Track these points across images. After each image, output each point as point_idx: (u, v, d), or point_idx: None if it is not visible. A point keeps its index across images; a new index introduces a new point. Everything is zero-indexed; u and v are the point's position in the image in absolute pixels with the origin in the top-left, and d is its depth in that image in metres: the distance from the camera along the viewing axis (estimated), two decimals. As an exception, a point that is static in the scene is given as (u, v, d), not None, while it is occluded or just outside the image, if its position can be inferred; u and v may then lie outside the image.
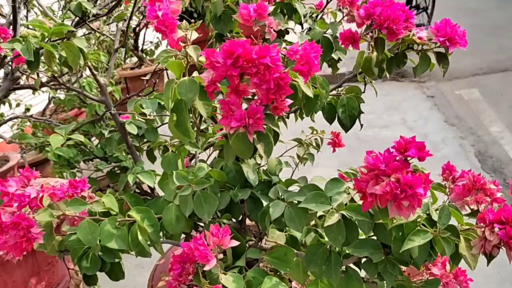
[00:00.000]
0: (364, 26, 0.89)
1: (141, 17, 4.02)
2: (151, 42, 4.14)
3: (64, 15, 1.13)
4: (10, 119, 1.47)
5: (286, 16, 1.30)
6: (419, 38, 0.83)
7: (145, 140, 1.31)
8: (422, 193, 0.63)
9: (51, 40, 0.96)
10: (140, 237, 0.90)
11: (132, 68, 4.29)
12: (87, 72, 2.89)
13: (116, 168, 2.31)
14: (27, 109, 3.01)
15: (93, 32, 1.16)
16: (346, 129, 0.99)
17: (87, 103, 2.66)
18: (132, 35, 4.00)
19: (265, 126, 0.74)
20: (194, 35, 0.80)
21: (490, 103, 4.04)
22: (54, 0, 2.79)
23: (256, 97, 0.76)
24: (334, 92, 1.14)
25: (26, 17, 1.50)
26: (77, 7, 1.12)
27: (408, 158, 0.68)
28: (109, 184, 2.49)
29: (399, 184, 0.64)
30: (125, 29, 1.07)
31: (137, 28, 4.06)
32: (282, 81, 0.69)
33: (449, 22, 0.81)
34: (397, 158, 0.67)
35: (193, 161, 1.25)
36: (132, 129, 1.16)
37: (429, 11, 5.84)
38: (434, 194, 0.84)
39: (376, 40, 0.88)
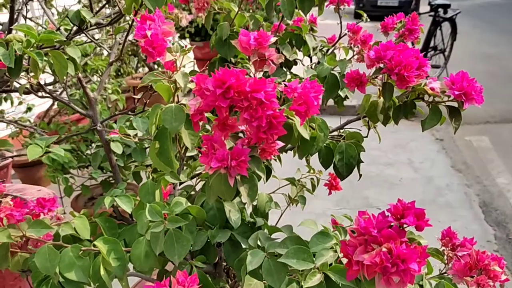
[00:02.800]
0: (373, 69, 0.82)
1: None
2: (163, 54, 4.11)
3: (61, 21, 1.07)
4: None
5: (295, 47, 1.24)
6: (431, 89, 0.76)
7: (132, 159, 1.24)
8: (416, 269, 0.55)
9: (39, 47, 0.90)
10: (102, 271, 0.82)
11: (141, 78, 4.26)
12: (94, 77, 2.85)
13: (110, 178, 2.23)
14: (29, 109, 2.97)
15: (90, 42, 1.09)
16: (342, 177, 0.91)
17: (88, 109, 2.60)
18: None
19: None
20: (186, 59, 0.73)
21: (500, 153, 3.95)
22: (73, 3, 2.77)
23: (244, 136, 0.68)
24: (336, 132, 1.07)
25: (30, 18, 1.45)
26: (75, 15, 1.07)
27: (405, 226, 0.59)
28: (102, 193, 2.42)
29: (391, 255, 0.55)
30: (123, 41, 1.01)
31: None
32: (275, 119, 0.62)
33: (466, 76, 0.73)
34: (392, 224, 0.59)
35: (181, 186, 1.18)
36: (117, 147, 1.09)
37: (446, 53, 5.80)
38: (430, 264, 0.75)
39: (384, 85, 0.80)
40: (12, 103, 2.68)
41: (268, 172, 1.09)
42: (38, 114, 3.32)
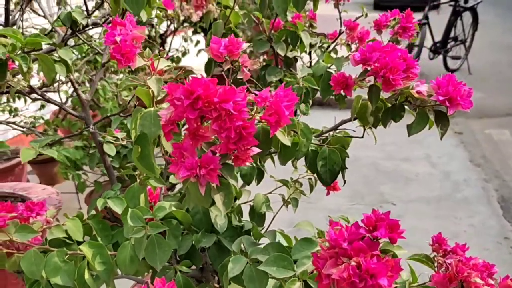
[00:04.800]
0: (360, 71, 0.79)
1: (169, 23, 4.01)
2: (177, 50, 4.11)
3: (55, 22, 1.07)
4: None
5: (290, 46, 1.21)
6: (418, 92, 0.73)
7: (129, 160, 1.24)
8: (386, 285, 0.53)
9: (24, 51, 0.90)
10: (86, 276, 0.82)
11: (155, 73, 4.26)
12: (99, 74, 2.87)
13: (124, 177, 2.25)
14: (42, 106, 3.01)
15: (82, 43, 1.09)
16: (326, 184, 0.88)
17: (100, 106, 2.63)
18: (159, 41, 3.99)
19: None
20: (162, 64, 0.72)
21: (521, 147, 3.84)
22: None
23: (219, 142, 0.67)
24: (331, 132, 1.04)
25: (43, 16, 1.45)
26: (66, 17, 1.06)
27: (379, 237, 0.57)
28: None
29: (360, 270, 0.53)
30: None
31: (165, 35, 4.05)
32: (244, 130, 0.60)
33: (452, 79, 0.70)
34: (365, 236, 0.57)
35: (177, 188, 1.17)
36: (110, 149, 1.08)
37: (467, 44, 5.64)
38: (414, 273, 0.73)
39: (371, 88, 0.78)
40: (25, 101, 2.72)
41: (260, 174, 1.08)
42: (54, 111, 3.37)
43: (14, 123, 1.37)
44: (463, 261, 0.75)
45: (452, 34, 5.54)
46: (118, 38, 0.64)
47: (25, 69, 0.85)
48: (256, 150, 0.66)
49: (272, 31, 1.19)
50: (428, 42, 5.51)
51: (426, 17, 5.27)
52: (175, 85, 0.63)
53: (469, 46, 5.69)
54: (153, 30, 3.94)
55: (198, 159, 0.61)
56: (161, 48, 4.01)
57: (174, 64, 4.24)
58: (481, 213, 2.94)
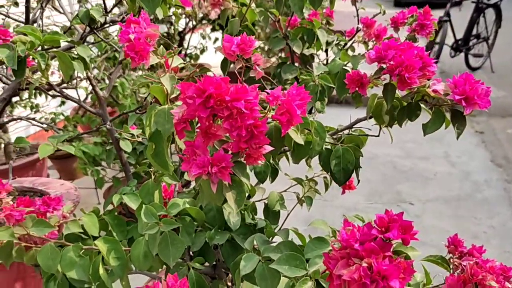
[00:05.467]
0: (376, 69, 0.78)
1: (187, 21, 4.02)
2: (195, 47, 4.13)
3: (74, 20, 1.08)
4: (11, 121, 1.45)
5: (307, 44, 1.20)
6: (434, 91, 0.71)
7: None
8: (397, 287, 0.52)
9: (43, 48, 0.92)
10: (101, 271, 0.83)
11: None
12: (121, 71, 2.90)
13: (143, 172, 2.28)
14: (63, 102, 3.06)
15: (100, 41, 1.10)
16: (339, 183, 0.88)
17: (118, 103, 2.66)
18: (177, 38, 4.01)
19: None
20: (176, 61, 0.72)
21: (545, 147, 3.75)
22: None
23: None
24: (346, 131, 1.03)
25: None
26: (84, 15, 1.08)
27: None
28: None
29: (371, 271, 0.53)
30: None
31: (183, 32, 4.07)
32: (256, 129, 0.60)
33: (469, 78, 0.68)
34: (377, 237, 0.56)
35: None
36: (126, 146, 1.10)
37: (490, 41, 5.53)
38: (429, 275, 0.72)
39: (386, 86, 0.76)
40: (46, 97, 2.77)
41: (275, 172, 1.08)
42: (74, 107, 3.42)
43: (34, 119, 1.39)
44: (479, 264, 0.74)
45: (474, 32, 5.44)
46: (132, 36, 0.64)
47: (43, 66, 0.86)
48: (269, 148, 0.66)
49: (288, 29, 1.18)
50: (450, 40, 5.42)
51: (447, 14, 5.18)
52: (187, 84, 0.63)
53: (492, 44, 5.57)
54: (172, 27, 3.96)
55: (210, 157, 0.61)
56: (177, 46, 4.04)
57: (192, 61, 4.26)
58: (501, 214, 2.88)
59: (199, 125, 0.64)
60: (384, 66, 0.76)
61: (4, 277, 1.27)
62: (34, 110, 2.85)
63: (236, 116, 0.60)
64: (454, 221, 2.79)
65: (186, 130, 0.66)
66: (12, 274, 1.29)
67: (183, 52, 4.06)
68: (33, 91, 2.35)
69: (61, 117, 2.92)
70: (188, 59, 4.21)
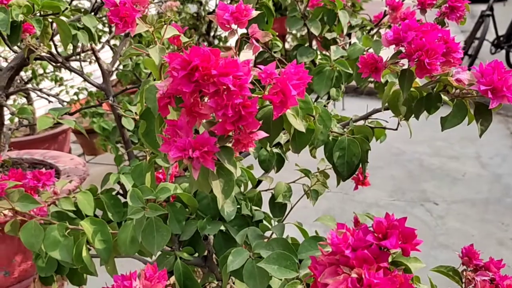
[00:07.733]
0: (392, 53, 0.69)
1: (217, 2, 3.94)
2: (224, 29, 4.05)
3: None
4: (17, 91, 1.41)
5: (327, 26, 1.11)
6: (457, 80, 0.62)
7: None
8: (390, 305, 0.44)
9: (41, 14, 0.87)
10: (84, 253, 0.78)
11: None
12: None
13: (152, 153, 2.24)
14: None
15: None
16: (342, 178, 0.79)
17: (140, 80, 2.62)
18: (207, 20, 3.94)
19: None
20: (170, 32, 0.65)
21: None
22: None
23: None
24: (361, 122, 0.95)
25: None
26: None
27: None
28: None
29: (360, 284, 0.45)
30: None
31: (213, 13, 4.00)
32: (245, 109, 0.53)
33: (499, 67, 0.59)
34: (373, 244, 0.48)
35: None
36: (128, 123, 1.04)
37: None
38: (435, 288, 0.63)
39: (403, 73, 0.68)
40: (70, 71, 2.75)
41: (281, 162, 1.00)
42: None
43: (41, 90, 1.36)
44: (495, 281, 0.65)
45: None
46: (117, 0, 0.58)
47: (38, 33, 0.81)
48: (262, 134, 0.59)
49: (308, 8, 1.09)
50: (491, 36, 5.17)
51: (491, 8, 4.93)
52: (174, 55, 0.56)
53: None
54: (202, 8, 3.90)
55: (192, 139, 0.55)
56: (207, 27, 3.97)
57: (221, 43, 4.19)
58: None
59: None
60: (402, 49, 0.67)
61: (5, 248, 1.25)
62: (58, 83, 2.85)
63: (222, 93, 0.53)
64: (479, 225, 2.66)
65: (172, 107, 0.59)
66: (13, 246, 1.26)
67: (212, 34, 4.00)
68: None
69: (85, 92, 2.91)
70: (216, 41, 4.14)
